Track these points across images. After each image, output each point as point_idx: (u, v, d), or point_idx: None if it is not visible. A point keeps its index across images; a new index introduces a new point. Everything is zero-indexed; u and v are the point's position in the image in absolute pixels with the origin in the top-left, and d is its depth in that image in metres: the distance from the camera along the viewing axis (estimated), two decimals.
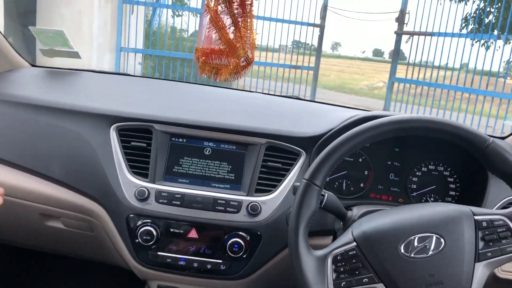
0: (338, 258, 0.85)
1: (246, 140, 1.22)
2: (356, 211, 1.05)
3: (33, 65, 1.59)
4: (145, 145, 1.20)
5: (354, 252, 0.85)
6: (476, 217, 0.86)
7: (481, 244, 0.84)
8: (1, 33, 1.43)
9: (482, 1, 6.64)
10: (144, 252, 1.15)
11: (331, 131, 1.23)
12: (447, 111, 6.35)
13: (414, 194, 1.30)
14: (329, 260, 0.86)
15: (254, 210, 1.14)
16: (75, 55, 1.56)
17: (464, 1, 6.40)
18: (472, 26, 6.45)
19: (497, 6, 6.28)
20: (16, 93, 1.33)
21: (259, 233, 1.15)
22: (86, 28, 6.17)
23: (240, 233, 1.14)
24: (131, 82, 1.61)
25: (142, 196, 1.14)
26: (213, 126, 1.22)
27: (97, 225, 1.23)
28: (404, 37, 6.75)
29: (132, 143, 1.21)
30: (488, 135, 0.91)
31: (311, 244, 0.90)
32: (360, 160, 1.30)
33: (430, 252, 0.82)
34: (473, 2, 6.74)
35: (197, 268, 1.15)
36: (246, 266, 1.16)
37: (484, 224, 0.85)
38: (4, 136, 1.26)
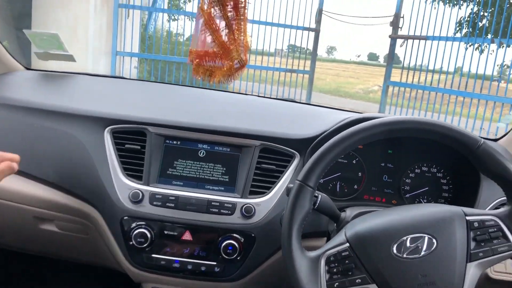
0: (331, 259, 0.86)
1: (240, 142, 1.23)
2: (349, 213, 1.06)
3: (27, 68, 1.59)
4: (139, 147, 1.21)
5: (347, 253, 0.85)
6: (467, 218, 0.86)
7: (472, 244, 0.84)
8: None
9: (476, 5, 6.68)
10: (138, 254, 1.15)
11: (325, 133, 1.24)
12: (441, 114, 6.37)
13: (408, 195, 1.31)
14: (322, 261, 0.86)
15: (248, 212, 1.15)
16: (70, 58, 1.56)
17: (458, 5, 6.43)
18: (466, 30, 6.48)
19: (491, 10, 6.32)
20: (10, 96, 1.33)
21: (253, 235, 1.15)
22: (81, 32, 6.15)
23: (234, 235, 1.15)
24: (126, 85, 1.61)
25: (136, 199, 1.14)
26: (207, 128, 1.23)
27: (91, 228, 1.23)
28: (399, 41, 6.77)
29: (126, 146, 1.21)
30: (480, 137, 0.91)
31: (305, 245, 0.90)
32: (354, 162, 1.31)
33: (423, 253, 0.83)
34: (467, 6, 6.78)
35: (191, 270, 1.15)
36: (240, 268, 1.16)
37: (476, 224, 0.86)
38: None
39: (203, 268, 1.15)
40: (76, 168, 1.20)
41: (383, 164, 1.32)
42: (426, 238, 0.84)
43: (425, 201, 1.30)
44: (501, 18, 5.81)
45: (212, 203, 1.16)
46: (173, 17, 7.58)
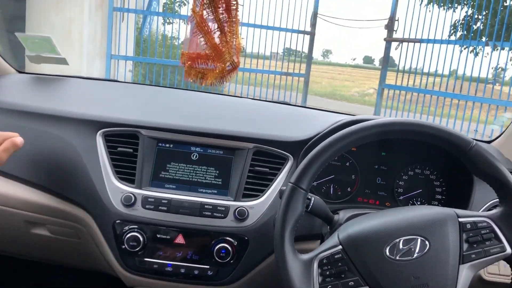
0: (324, 261, 0.85)
1: (233, 145, 1.22)
2: (342, 215, 1.05)
3: (20, 72, 1.58)
4: (131, 150, 1.20)
5: (340, 255, 0.85)
6: (460, 219, 0.86)
7: (465, 246, 0.84)
8: None
9: (470, 8, 6.71)
10: (131, 258, 1.14)
11: (318, 135, 1.23)
12: (437, 117, 6.39)
13: (401, 198, 1.31)
14: (315, 264, 0.86)
15: (241, 215, 1.14)
16: (63, 61, 1.55)
17: (452, 8, 6.46)
18: (461, 33, 6.51)
19: (485, 13, 6.36)
20: (2, 99, 1.32)
21: (246, 238, 1.14)
22: (76, 36, 6.14)
23: (228, 238, 1.14)
24: (119, 88, 1.61)
25: (129, 202, 1.13)
26: (200, 131, 1.22)
27: (83, 232, 1.22)
28: (394, 44, 6.80)
29: (119, 149, 1.20)
30: (473, 139, 0.91)
31: (299, 248, 0.90)
32: (347, 164, 1.31)
33: (415, 255, 0.83)
34: (461, 9, 6.81)
35: (184, 274, 1.14)
36: (234, 271, 1.15)
37: (468, 226, 0.86)
38: None
39: (196, 272, 1.14)
40: (68, 171, 1.20)
41: (376, 167, 1.32)
42: (419, 240, 0.84)
43: (418, 203, 1.30)
44: (495, 21, 5.84)
45: (205, 206, 1.15)
46: (168, 21, 7.58)
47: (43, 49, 1.52)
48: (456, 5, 6.80)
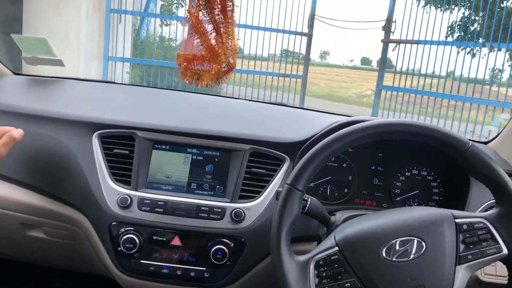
0: (321, 263, 0.85)
1: (229, 146, 1.22)
2: (339, 216, 1.05)
3: (15, 73, 1.58)
4: (127, 152, 1.19)
5: (336, 257, 0.85)
6: (456, 220, 0.86)
7: (462, 247, 0.84)
8: None
9: (467, 9, 6.73)
10: (127, 260, 1.14)
11: (314, 137, 1.23)
12: (434, 118, 6.41)
13: (398, 199, 1.30)
14: (312, 265, 0.85)
15: (237, 217, 1.14)
16: (59, 63, 1.55)
17: (449, 10, 6.48)
18: (458, 34, 6.52)
19: (482, 14, 6.37)
20: None
21: (243, 239, 1.14)
22: (73, 37, 6.13)
23: (224, 240, 1.14)
24: (115, 90, 1.60)
25: (125, 204, 1.13)
26: (196, 132, 1.22)
27: (79, 234, 1.22)
28: (391, 46, 6.81)
29: (115, 151, 1.20)
30: (469, 139, 0.91)
31: (295, 250, 0.90)
32: (344, 165, 1.31)
33: (412, 256, 0.82)
34: (459, 10, 6.83)
35: (181, 276, 1.14)
36: (230, 273, 1.15)
37: (465, 227, 0.85)
38: None
39: (192, 274, 1.14)
40: (64, 173, 1.19)
41: (373, 168, 1.32)
42: (415, 241, 0.84)
43: (415, 204, 1.30)
44: (492, 22, 5.86)
45: (202, 208, 1.15)
46: (165, 22, 7.58)
47: (39, 51, 1.51)
48: (453, 6, 6.81)
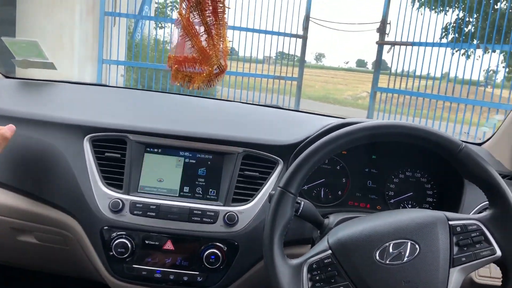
0: (314, 266, 0.85)
1: (222, 149, 1.21)
2: (332, 219, 1.04)
3: (6, 77, 1.56)
4: (119, 155, 1.18)
5: (330, 260, 0.84)
6: (450, 222, 0.86)
7: (455, 249, 0.84)
8: None
9: (462, 11, 6.76)
10: (119, 265, 1.13)
11: (308, 139, 1.23)
12: (429, 119, 6.42)
13: (392, 201, 1.30)
14: (305, 269, 0.85)
15: (231, 220, 1.13)
16: (50, 66, 1.53)
17: (444, 11, 6.50)
18: (452, 35, 6.54)
19: (476, 15, 6.40)
20: None
21: (236, 243, 1.13)
22: (67, 40, 6.11)
23: (217, 243, 1.13)
24: (108, 93, 1.59)
25: (116, 208, 1.12)
26: (189, 135, 1.21)
27: (71, 239, 1.21)
28: (386, 47, 6.82)
29: (106, 154, 1.19)
30: (463, 141, 0.91)
31: (289, 253, 0.89)
32: (338, 167, 1.30)
33: (405, 259, 0.82)
34: (453, 12, 6.85)
35: (174, 280, 1.13)
36: (223, 277, 1.14)
37: (458, 229, 0.85)
38: None
39: (185, 278, 1.13)
40: (55, 177, 1.18)
41: (367, 170, 1.31)
42: (409, 244, 0.83)
43: (409, 206, 1.29)
44: (486, 24, 5.88)
45: (194, 211, 1.14)
46: (160, 25, 7.56)
47: (30, 54, 1.50)
48: (447, 8, 6.83)
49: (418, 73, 6.52)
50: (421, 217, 0.87)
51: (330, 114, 1.56)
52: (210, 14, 1.00)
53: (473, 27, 7.07)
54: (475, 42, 6.05)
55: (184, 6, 1.01)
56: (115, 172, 1.17)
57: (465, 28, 6.69)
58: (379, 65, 7.14)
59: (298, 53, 7.13)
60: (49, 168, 1.19)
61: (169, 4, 7.42)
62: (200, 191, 1.19)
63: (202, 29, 1.02)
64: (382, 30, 6.72)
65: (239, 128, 1.28)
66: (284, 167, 1.22)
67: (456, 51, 6.37)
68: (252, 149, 1.21)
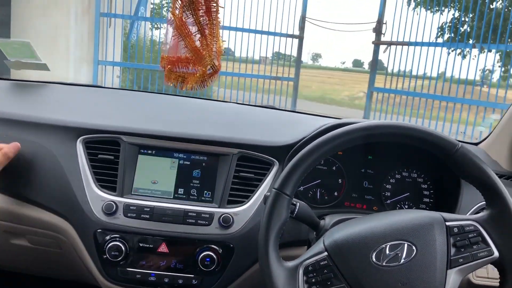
0: (310, 268, 0.84)
1: (217, 151, 1.20)
2: (328, 220, 1.03)
3: (0, 78, 1.55)
4: (112, 157, 1.17)
5: (326, 262, 0.83)
6: (447, 223, 0.85)
7: (452, 250, 0.83)
8: None
9: (457, 11, 6.76)
10: (113, 268, 1.11)
11: (303, 140, 1.22)
12: (426, 119, 6.43)
13: (388, 201, 1.29)
14: (300, 271, 0.84)
15: (226, 222, 1.12)
16: (43, 67, 1.52)
17: (439, 11, 6.51)
18: (448, 35, 6.56)
19: (472, 15, 6.41)
20: None
21: (231, 245, 1.12)
22: (62, 41, 6.09)
23: (212, 246, 1.11)
24: (102, 94, 1.58)
25: (110, 210, 1.11)
26: (183, 136, 1.20)
27: (64, 242, 1.19)
28: (382, 47, 6.83)
29: (100, 156, 1.17)
30: (459, 141, 0.90)
31: (285, 255, 0.89)
32: (334, 168, 1.29)
33: (402, 260, 0.81)
34: (448, 11, 6.86)
35: (168, 283, 1.12)
36: (219, 280, 1.13)
37: (456, 230, 0.84)
38: None
39: (180, 281, 1.12)
40: (47, 180, 1.16)
41: (363, 170, 1.30)
42: (406, 245, 0.82)
43: (406, 207, 1.29)
44: (482, 23, 5.89)
45: (189, 213, 1.13)
46: (155, 26, 7.54)
47: (22, 55, 1.48)
48: (443, 7, 6.84)
49: (414, 73, 6.55)
50: (418, 218, 0.86)
51: (326, 115, 1.55)
52: (203, 14, 0.99)
53: (468, 27, 7.06)
54: (471, 41, 6.05)
55: (177, 6, 1.00)
56: (108, 174, 1.16)
57: (461, 28, 6.70)
58: (376, 65, 7.15)
59: (295, 53, 7.14)
60: (42, 170, 1.17)
61: (165, 5, 7.41)
62: (194, 193, 1.17)
63: (195, 29, 1.01)
64: (378, 30, 6.73)
65: (234, 129, 1.27)
66: (279, 168, 1.21)
67: (452, 51, 6.39)
68: (247, 150, 1.20)
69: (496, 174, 0.87)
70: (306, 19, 6.97)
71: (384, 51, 6.69)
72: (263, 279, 0.85)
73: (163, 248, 1.11)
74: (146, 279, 1.11)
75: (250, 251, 1.12)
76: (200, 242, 1.11)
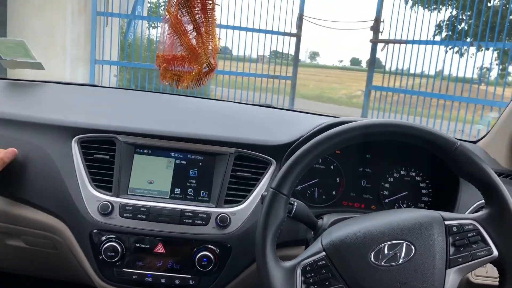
0: (307, 269, 0.83)
1: (214, 150, 1.19)
2: (326, 220, 1.02)
3: None
4: (108, 157, 1.16)
5: (324, 262, 0.83)
6: (446, 222, 0.84)
7: (452, 249, 0.82)
8: None
9: (455, 9, 6.77)
10: (109, 269, 1.10)
11: (301, 139, 1.21)
12: (424, 117, 6.43)
13: (387, 200, 1.28)
14: (298, 272, 0.83)
15: (223, 222, 1.11)
16: (38, 66, 1.51)
17: (437, 9, 6.51)
18: (446, 33, 6.56)
19: (469, 13, 6.41)
20: None
21: (228, 245, 1.11)
22: (59, 41, 6.07)
23: (209, 246, 1.11)
24: (98, 93, 1.57)
25: (106, 211, 1.09)
26: (179, 136, 1.19)
27: (60, 243, 1.18)
28: (380, 46, 6.82)
29: (95, 156, 1.16)
30: (458, 139, 0.89)
31: (283, 255, 0.88)
32: (332, 167, 1.28)
33: (401, 260, 0.80)
34: (446, 9, 6.87)
35: (165, 284, 1.11)
36: (216, 280, 1.12)
37: (455, 229, 0.83)
38: None
39: (177, 282, 1.11)
40: (42, 180, 1.15)
41: (361, 169, 1.30)
42: (404, 245, 0.82)
43: (404, 205, 1.28)
44: (479, 22, 5.89)
45: (186, 213, 1.12)
46: (153, 25, 7.53)
47: (17, 54, 1.47)
48: (440, 6, 6.84)
49: (412, 71, 6.55)
50: (417, 217, 0.85)
51: (323, 113, 1.54)
52: (199, 11, 0.98)
53: (466, 25, 7.07)
54: (468, 39, 6.05)
55: (173, 3, 0.99)
56: (104, 174, 1.15)
57: (459, 26, 6.71)
58: (373, 64, 7.15)
59: (292, 52, 7.13)
60: (37, 170, 1.16)
61: (162, 4, 7.40)
62: (191, 193, 1.16)
63: (191, 26, 0.99)
64: (376, 28, 6.73)
65: (231, 128, 1.26)
66: (277, 167, 1.20)
67: (450, 49, 6.39)
68: (244, 150, 1.19)
69: (495, 172, 0.87)
70: (304, 17, 6.96)
71: (382, 49, 6.69)
72: (260, 279, 0.84)
73: (159, 249, 1.10)
74: (142, 279, 1.10)
75: (248, 251, 1.11)
76: (197, 242, 1.11)
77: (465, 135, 5.96)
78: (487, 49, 5.86)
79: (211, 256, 1.09)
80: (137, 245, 1.10)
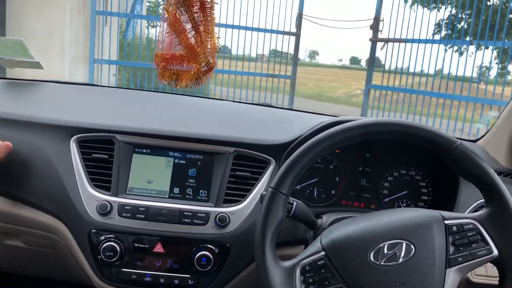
0: (307, 268, 0.83)
1: (213, 149, 1.19)
2: (325, 219, 1.02)
3: None
4: (106, 156, 1.16)
5: (323, 261, 0.82)
6: (446, 222, 0.84)
7: (451, 249, 0.82)
8: None
9: (454, 8, 6.76)
10: (108, 268, 1.10)
11: (300, 138, 1.20)
12: (423, 116, 6.42)
13: (386, 199, 1.28)
14: (297, 271, 0.83)
15: (222, 222, 1.10)
16: (37, 65, 1.50)
17: (436, 8, 6.50)
18: (445, 32, 6.55)
19: (469, 12, 6.40)
20: None
21: (228, 245, 1.11)
22: (57, 40, 6.06)
23: (208, 245, 1.10)
24: (97, 93, 1.56)
25: (104, 210, 1.09)
26: (178, 135, 1.18)
27: (59, 243, 1.18)
28: (379, 45, 6.82)
29: (94, 155, 1.16)
30: (458, 138, 0.89)
31: (282, 254, 0.88)
32: (331, 166, 1.28)
33: (401, 260, 0.80)
34: (446, 8, 6.85)
35: (164, 284, 1.11)
36: (215, 280, 1.12)
37: (454, 228, 0.83)
38: None
39: (176, 282, 1.11)
40: (41, 179, 1.15)
41: (361, 168, 1.29)
42: (404, 244, 0.81)
43: (404, 205, 1.28)
44: (479, 20, 5.89)
45: (185, 213, 1.11)
46: (152, 24, 7.52)
47: (15, 53, 1.46)
48: (440, 4, 6.83)
49: (411, 70, 6.54)
50: (416, 216, 0.85)
51: (323, 112, 1.54)
52: (197, 10, 0.97)
53: (465, 24, 7.07)
54: (468, 38, 6.05)
55: (171, 2, 0.98)
56: (102, 173, 1.15)
57: (458, 25, 6.69)
58: (373, 63, 7.14)
59: (291, 51, 7.13)
60: (35, 170, 1.16)
61: (161, 3, 7.39)
62: (190, 192, 1.16)
63: (189, 25, 0.99)
64: (375, 27, 6.72)
65: (230, 128, 1.26)
66: (276, 166, 1.20)
67: (449, 48, 6.39)
68: (243, 149, 1.19)
69: (495, 171, 0.86)
70: (303, 16, 6.95)
71: (381, 48, 6.69)
72: (259, 279, 0.84)
73: (158, 248, 1.10)
74: (141, 279, 1.10)
75: (247, 251, 1.11)
76: (196, 241, 1.10)
77: (464, 134, 5.95)
78: (487, 47, 5.85)
79: (210, 256, 1.09)
80: (136, 245, 1.10)
